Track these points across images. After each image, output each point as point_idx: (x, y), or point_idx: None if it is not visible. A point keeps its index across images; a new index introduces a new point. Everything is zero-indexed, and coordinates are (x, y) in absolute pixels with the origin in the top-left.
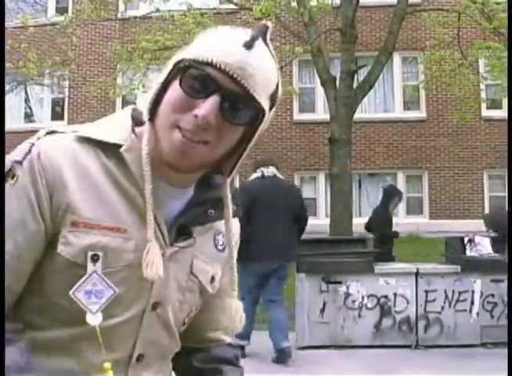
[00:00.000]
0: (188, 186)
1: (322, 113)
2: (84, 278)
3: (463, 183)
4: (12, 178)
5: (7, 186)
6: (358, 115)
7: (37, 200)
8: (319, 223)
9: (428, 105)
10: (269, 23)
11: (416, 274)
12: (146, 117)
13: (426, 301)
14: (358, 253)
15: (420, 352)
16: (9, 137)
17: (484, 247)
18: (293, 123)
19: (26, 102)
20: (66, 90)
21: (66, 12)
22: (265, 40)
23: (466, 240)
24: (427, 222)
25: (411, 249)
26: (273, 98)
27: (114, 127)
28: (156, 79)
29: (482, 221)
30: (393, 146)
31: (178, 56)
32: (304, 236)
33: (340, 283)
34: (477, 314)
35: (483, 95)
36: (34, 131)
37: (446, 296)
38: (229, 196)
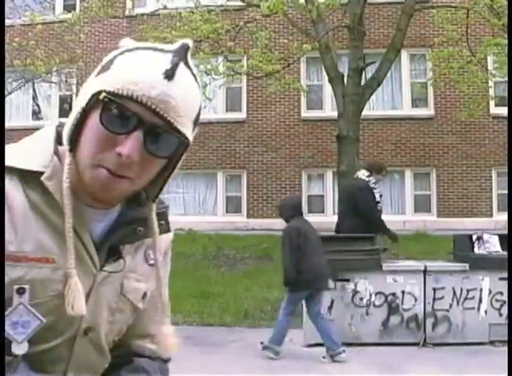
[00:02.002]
0: (112, 207)
1: (329, 110)
2: (9, 310)
3: (471, 181)
4: None
5: None
6: (366, 112)
7: None
8: (326, 221)
9: (436, 102)
10: (189, 42)
11: (424, 272)
12: (66, 145)
13: (434, 299)
14: (366, 250)
15: (428, 349)
16: (17, 134)
17: (492, 244)
18: (300, 120)
19: (33, 99)
20: (74, 87)
21: (74, 9)
22: (186, 62)
23: (474, 237)
24: (435, 220)
25: (419, 247)
26: (196, 120)
27: (35, 150)
28: (77, 102)
29: (491, 218)
30: (401, 143)
31: (94, 84)
32: None
33: (348, 280)
34: (486, 312)
35: (491, 92)
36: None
37: (454, 294)
38: (154, 217)
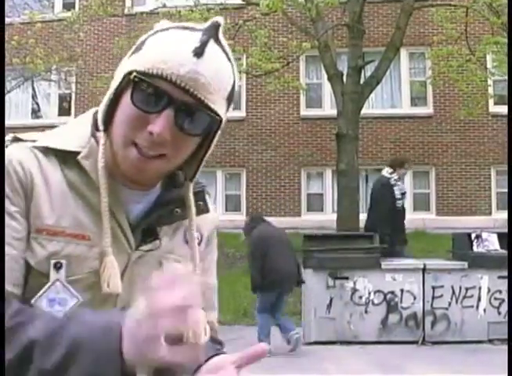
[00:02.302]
0: (151, 189)
1: (329, 108)
2: (46, 286)
3: (470, 179)
4: None
5: None
6: (365, 111)
7: (17, 200)
8: (325, 219)
9: (435, 101)
10: (220, 19)
11: (423, 270)
12: (100, 126)
13: (433, 297)
14: (365, 249)
15: (427, 347)
16: (16, 132)
17: (491, 243)
18: (300, 118)
19: (33, 97)
20: (73, 86)
21: (73, 7)
22: (217, 39)
23: (473, 236)
24: (434, 218)
25: (418, 245)
26: (230, 98)
27: (74, 133)
28: (111, 84)
29: (490, 217)
30: (400, 141)
31: (127, 65)
32: (310, 232)
33: (347, 278)
34: (484, 310)
35: (490, 90)
36: (41, 127)
37: (453, 292)
38: (192, 197)
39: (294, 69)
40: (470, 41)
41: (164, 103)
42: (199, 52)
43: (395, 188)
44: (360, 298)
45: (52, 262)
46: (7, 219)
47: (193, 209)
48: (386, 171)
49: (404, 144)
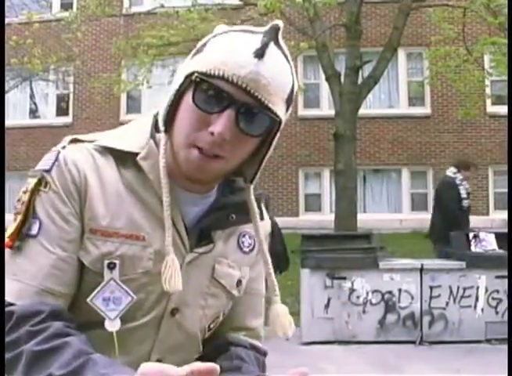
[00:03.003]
0: (208, 192)
1: (326, 108)
2: (101, 285)
3: (467, 179)
4: (45, 186)
5: (42, 194)
6: (362, 111)
7: (70, 201)
8: (323, 219)
9: (433, 101)
10: (280, 23)
11: (421, 270)
12: (161, 127)
13: (430, 297)
14: (362, 249)
15: (425, 348)
16: (14, 133)
17: (489, 243)
18: (297, 119)
19: (31, 98)
20: (71, 86)
21: (71, 7)
22: (277, 42)
23: (471, 235)
24: None
25: (416, 245)
26: (289, 100)
27: (133, 134)
28: (170, 87)
29: (487, 217)
30: (398, 141)
31: (188, 67)
32: (308, 232)
33: (344, 278)
34: (482, 310)
35: (488, 91)
36: (38, 127)
37: (451, 292)
38: (253, 200)
39: None
40: (468, 41)
41: (225, 103)
42: (260, 54)
43: (461, 188)
44: (358, 297)
45: (106, 262)
46: (60, 221)
47: (257, 212)
48: (450, 171)
49: (402, 144)
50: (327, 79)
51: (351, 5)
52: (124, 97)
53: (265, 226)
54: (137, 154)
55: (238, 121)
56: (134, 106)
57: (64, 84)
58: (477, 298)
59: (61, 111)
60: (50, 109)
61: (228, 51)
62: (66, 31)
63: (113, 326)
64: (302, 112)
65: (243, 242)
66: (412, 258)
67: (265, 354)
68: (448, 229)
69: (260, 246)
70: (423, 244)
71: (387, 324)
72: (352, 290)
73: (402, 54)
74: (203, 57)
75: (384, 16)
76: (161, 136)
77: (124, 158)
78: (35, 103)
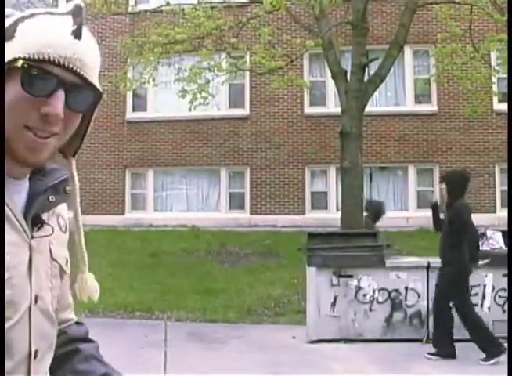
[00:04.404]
0: (26, 177)
1: (332, 106)
2: None
3: (474, 177)
4: None
5: None
6: (369, 108)
7: None
8: (329, 217)
9: (439, 98)
10: (80, 2)
11: (428, 268)
12: None
13: None
14: (369, 247)
15: (431, 346)
16: None
17: (496, 241)
18: (303, 116)
19: None
20: None
21: None
22: (84, 22)
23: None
24: None
25: (422, 243)
26: (98, 75)
27: None
28: None
29: (494, 215)
30: (404, 139)
31: (8, 53)
32: (314, 230)
33: (351, 276)
34: (489, 308)
35: (495, 88)
36: None
37: None
38: (76, 174)
39: (298, 67)
40: (474, 38)
41: (55, 84)
42: (78, 34)
43: None
44: (364, 296)
45: None
46: None
47: (77, 185)
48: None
49: (408, 142)
50: (333, 77)
51: (357, 3)
52: (129, 95)
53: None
54: None
55: (67, 100)
56: (140, 104)
57: None
58: (483, 297)
59: None
60: None
61: (47, 33)
62: None
63: None
64: (308, 110)
65: (60, 222)
66: (419, 255)
67: (84, 324)
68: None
69: (77, 220)
70: (429, 241)
71: (394, 322)
72: (359, 288)
73: (408, 51)
74: (20, 42)
75: (391, 13)
76: None
77: None
78: None
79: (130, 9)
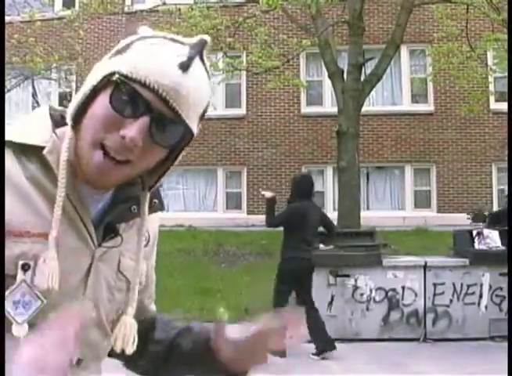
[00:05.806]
0: (110, 189)
1: (329, 106)
2: (12, 287)
3: (471, 176)
4: None
5: None
6: (365, 108)
7: None
8: None
9: (436, 98)
10: (207, 38)
11: (425, 267)
12: (69, 121)
13: (434, 295)
14: (366, 246)
15: (428, 345)
16: None
17: (492, 240)
18: (300, 116)
19: (33, 96)
20: (74, 84)
21: (73, 6)
22: (201, 57)
23: (474, 233)
24: (435, 216)
25: (419, 242)
26: (203, 116)
27: (33, 127)
28: (86, 81)
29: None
30: (401, 139)
31: (108, 66)
32: None
33: (348, 276)
34: (486, 307)
35: (491, 87)
36: None
37: (454, 289)
38: (147, 208)
39: (295, 66)
40: (471, 38)
41: (142, 109)
42: (184, 67)
43: None
44: (361, 295)
45: (20, 263)
46: None
47: (146, 212)
48: None
49: (405, 141)
50: (330, 76)
51: (353, 2)
52: None
53: (157, 218)
54: (41, 148)
55: (151, 130)
56: None
57: (66, 83)
58: (480, 296)
59: None
60: None
61: (154, 58)
62: (69, 29)
63: (20, 331)
64: (305, 109)
65: (140, 235)
66: (416, 255)
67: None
68: None
69: (139, 243)
70: (426, 241)
71: (391, 322)
72: (356, 287)
73: (404, 51)
74: (126, 59)
75: (387, 13)
76: (67, 131)
77: (28, 152)
78: (37, 102)
79: (126, 9)
